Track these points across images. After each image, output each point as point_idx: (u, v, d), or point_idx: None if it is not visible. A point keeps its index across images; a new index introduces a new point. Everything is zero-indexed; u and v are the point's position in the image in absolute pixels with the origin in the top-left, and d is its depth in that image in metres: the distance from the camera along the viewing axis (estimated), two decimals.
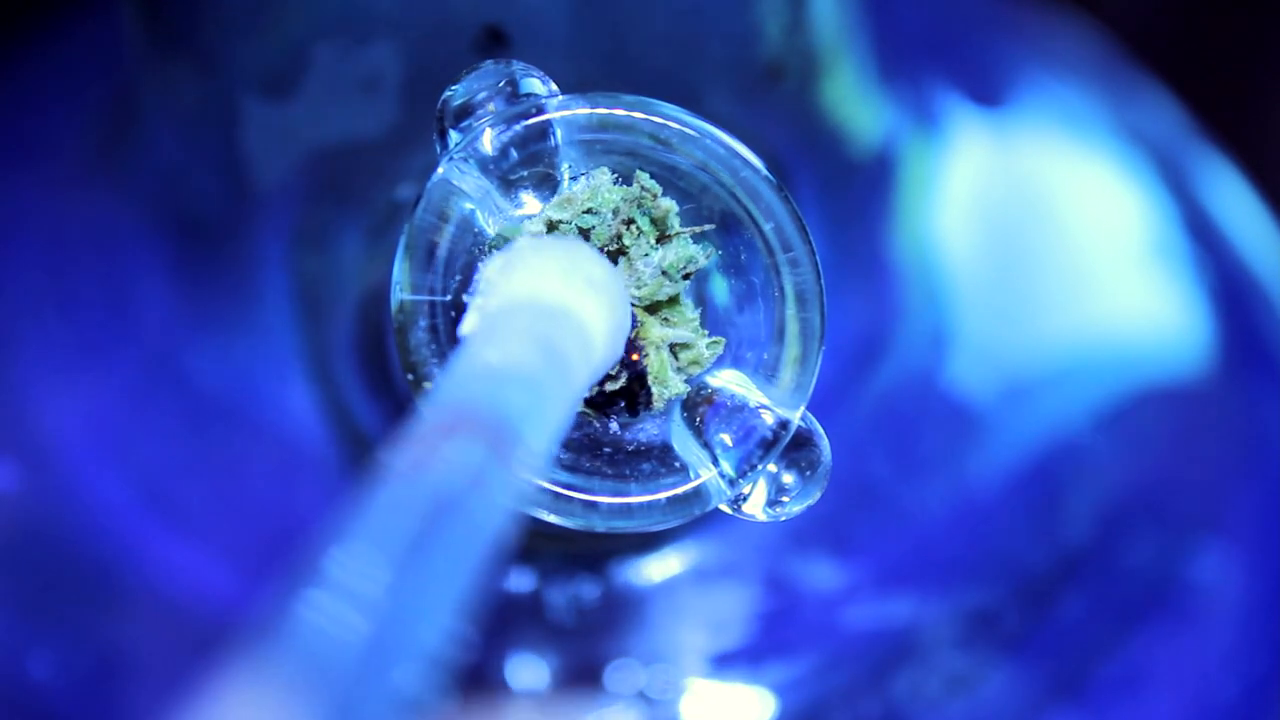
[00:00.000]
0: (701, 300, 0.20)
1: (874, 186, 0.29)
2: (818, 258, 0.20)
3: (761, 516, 0.20)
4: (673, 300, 0.20)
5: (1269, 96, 0.49)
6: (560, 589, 0.26)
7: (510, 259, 0.18)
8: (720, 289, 0.20)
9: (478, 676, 0.26)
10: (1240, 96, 0.49)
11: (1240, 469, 0.30)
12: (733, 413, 0.20)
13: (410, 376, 0.19)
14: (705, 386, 0.20)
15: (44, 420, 0.27)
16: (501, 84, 0.20)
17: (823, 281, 0.20)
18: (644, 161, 0.20)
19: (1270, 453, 0.30)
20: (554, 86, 0.20)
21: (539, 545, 0.26)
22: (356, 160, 0.25)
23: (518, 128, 0.19)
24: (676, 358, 0.20)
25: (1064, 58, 0.34)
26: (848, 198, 0.28)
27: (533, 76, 0.20)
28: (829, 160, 0.28)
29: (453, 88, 0.20)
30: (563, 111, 0.19)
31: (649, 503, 0.20)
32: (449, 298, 0.19)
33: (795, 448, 0.20)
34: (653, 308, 0.20)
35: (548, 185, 0.20)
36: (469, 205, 0.19)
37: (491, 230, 0.19)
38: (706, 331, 0.20)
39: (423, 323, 0.19)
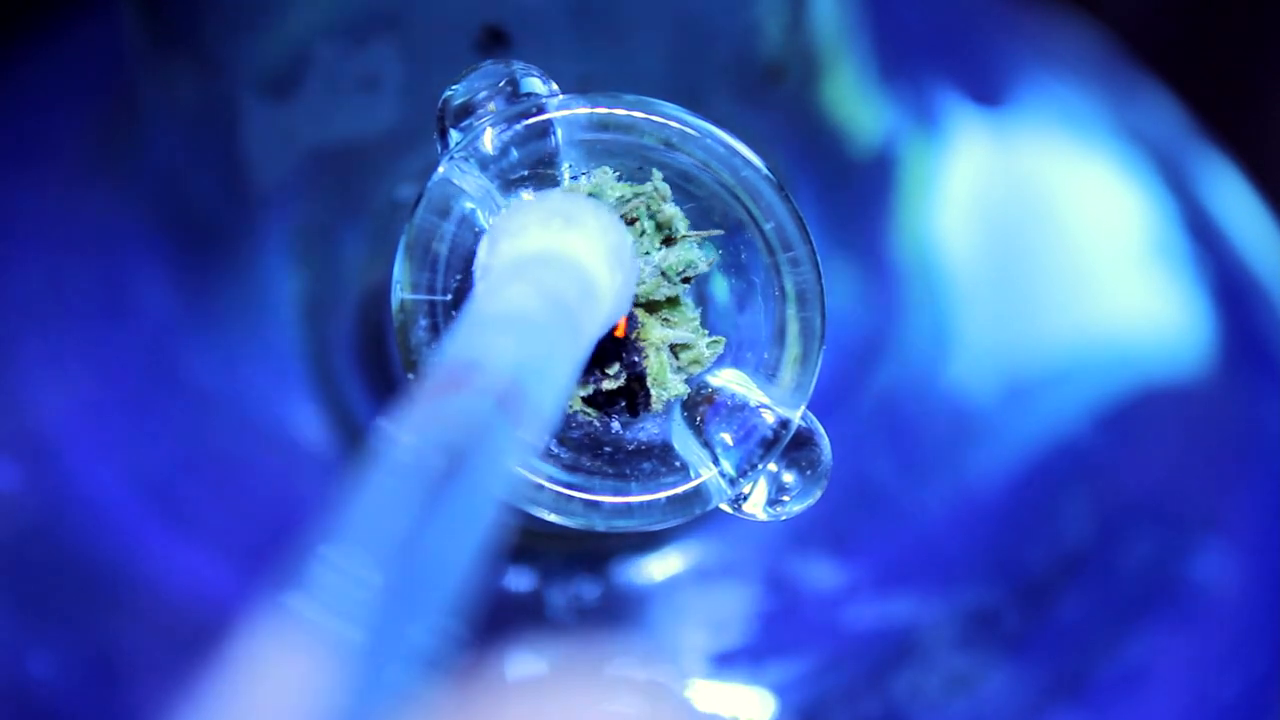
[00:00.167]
0: (702, 300, 0.20)
1: (874, 186, 0.29)
2: (818, 257, 0.20)
3: (762, 516, 0.20)
4: (673, 301, 0.20)
5: (1269, 96, 0.49)
6: (560, 589, 0.26)
7: (494, 238, 0.18)
8: (721, 288, 0.20)
9: (478, 676, 0.26)
10: (1240, 96, 0.49)
11: (1240, 469, 0.30)
12: (733, 412, 0.20)
13: (411, 376, 0.19)
14: (705, 386, 0.20)
15: (44, 420, 0.27)
16: (502, 83, 0.20)
17: (823, 281, 0.20)
18: (644, 161, 0.20)
19: (1270, 453, 0.30)
20: (554, 86, 0.20)
21: (539, 545, 0.26)
22: (356, 160, 0.25)
23: (518, 127, 0.19)
24: (677, 358, 0.20)
25: (1064, 58, 0.34)
26: (848, 198, 0.28)
27: (533, 76, 0.20)
28: (829, 160, 0.28)
29: (453, 87, 0.20)
30: (563, 111, 0.19)
31: (649, 502, 0.20)
32: (450, 297, 0.19)
33: (795, 447, 0.20)
34: (652, 308, 0.20)
35: (548, 185, 0.20)
36: (470, 205, 0.19)
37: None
38: (707, 331, 0.20)
39: (423, 322, 0.19)
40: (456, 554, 0.14)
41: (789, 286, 0.20)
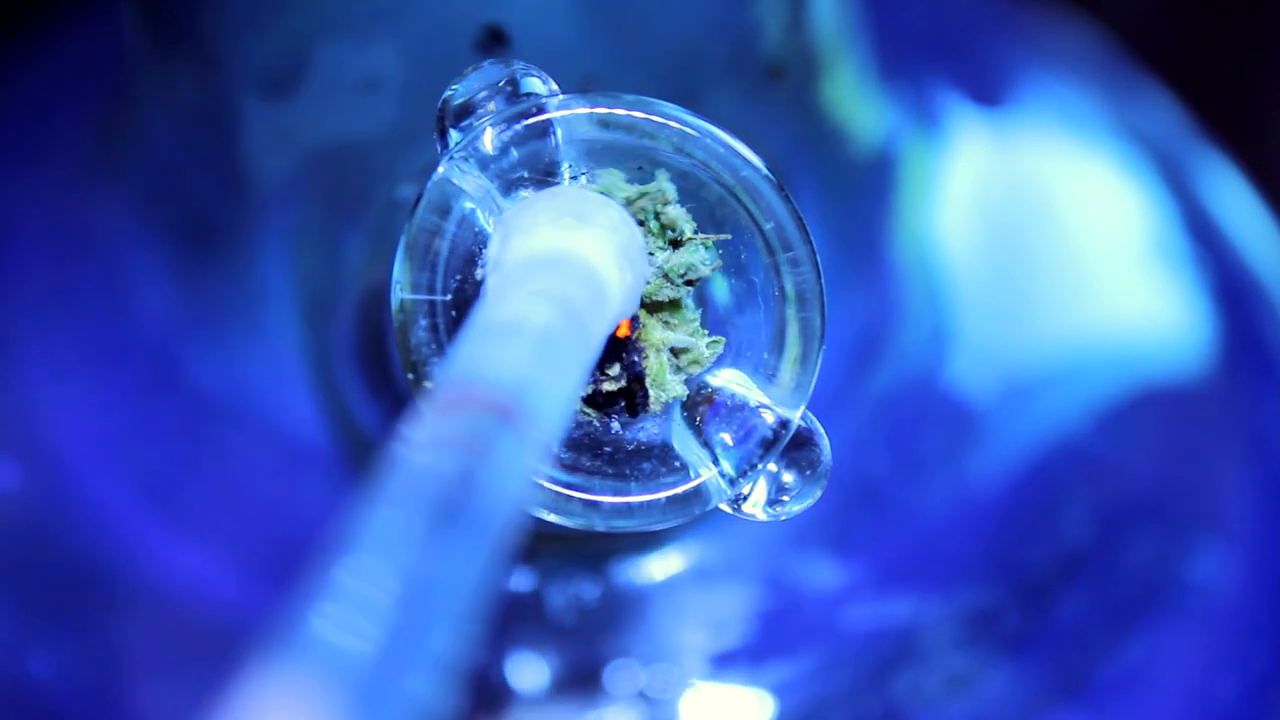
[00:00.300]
0: (702, 300, 0.20)
1: (874, 186, 0.29)
2: (818, 257, 0.20)
3: (762, 516, 0.20)
4: (674, 303, 0.20)
5: (1269, 96, 0.49)
6: (560, 589, 0.26)
7: (504, 230, 0.18)
8: (720, 288, 0.20)
9: (478, 676, 0.26)
10: (1240, 96, 0.49)
11: (1240, 469, 0.30)
12: (733, 412, 0.20)
13: (411, 376, 0.19)
14: (705, 386, 0.20)
15: (45, 420, 0.27)
16: (502, 83, 0.20)
17: (823, 281, 0.20)
18: (644, 161, 0.20)
19: (1270, 453, 0.30)
20: (554, 86, 0.20)
21: (539, 545, 0.26)
22: (356, 160, 0.25)
23: (518, 127, 0.19)
24: (677, 358, 0.20)
25: (1064, 58, 0.34)
26: (848, 198, 0.28)
27: (533, 76, 0.20)
28: (829, 160, 0.28)
29: (453, 87, 0.20)
30: (563, 111, 0.19)
31: (649, 502, 0.20)
32: (449, 297, 0.19)
33: (795, 447, 0.20)
34: (654, 309, 0.20)
35: (548, 184, 0.20)
36: (469, 204, 0.19)
37: (492, 229, 0.19)
38: (706, 331, 0.20)
39: (423, 322, 0.19)
40: (467, 573, 0.14)
41: (789, 287, 0.20)
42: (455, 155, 0.19)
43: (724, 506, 0.20)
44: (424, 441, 0.14)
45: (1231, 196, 0.34)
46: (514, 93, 0.20)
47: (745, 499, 0.20)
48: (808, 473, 0.20)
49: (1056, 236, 0.30)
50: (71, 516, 0.27)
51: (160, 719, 0.27)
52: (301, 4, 0.24)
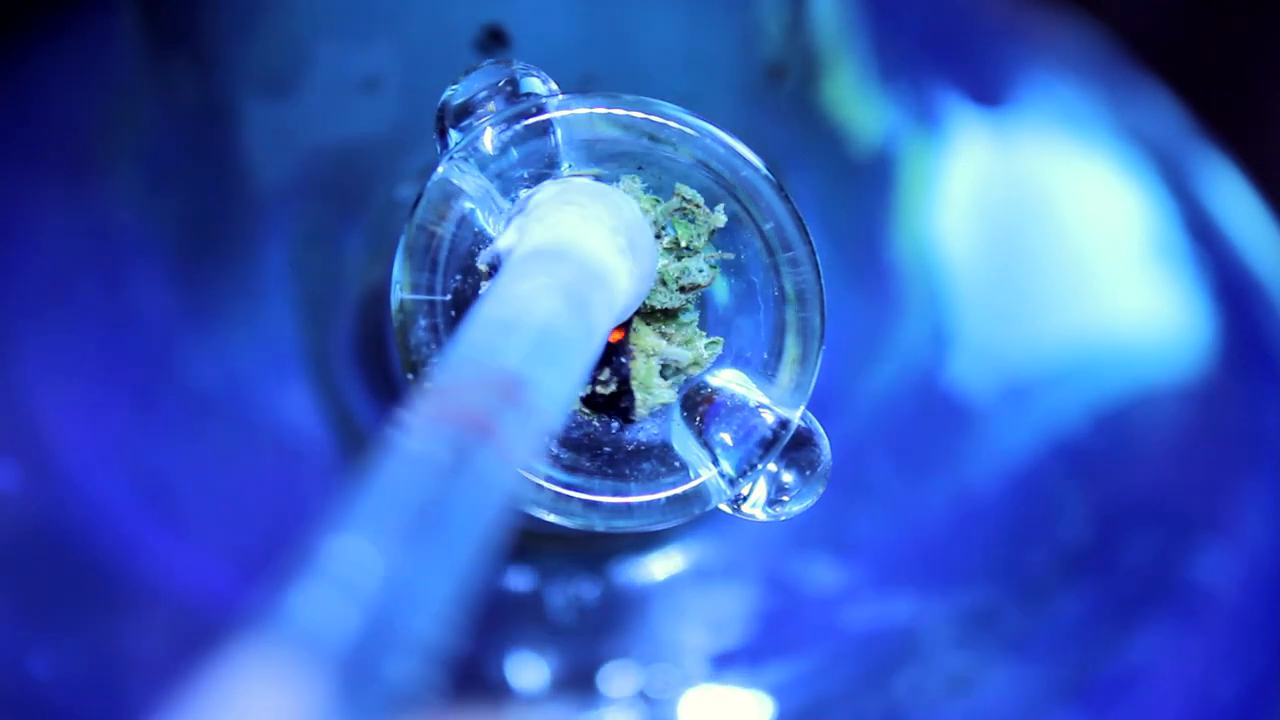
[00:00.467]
0: (701, 300, 0.20)
1: (874, 186, 0.29)
2: (818, 257, 0.20)
3: (761, 516, 0.20)
4: (671, 313, 0.20)
5: (1269, 96, 0.49)
6: (560, 589, 0.26)
7: (567, 195, 0.18)
8: (720, 289, 0.20)
9: (478, 676, 0.26)
10: (1240, 96, 0.49)
11: (1240, 469, 0.30)
12: (733, 412, 0.20)
13: (411, 376, 0.19)
14: (705, 386, 0.20)
15: (44, 420, 0.27)
16: (502, 83, 0.20)
17: (823, 281, 0.20)
18: (644, 161, 0.20)
19: (1270, 453, 0.30)
20: (554, 86, 0.20)
21: (539, 545, 0.26)
22: (356, 160, 0.25)
23: (518, 127, 0.19)
24: (676, 366, 0.20)
25: (1064, 58, 0.34)
26: (848, 198, 0.28)
27: (533, 76, 0.20)
28: (829, 160, 0.28)
29: (453, 87, 0.20)
30: (563, 111, 0.19)
31: (649, 502, 0.20)
32: (449, 297, 0.19)
33: (795, 447, 0.20)
34: (650, 316, 0.20)
35: (559, 177, 0.20)
36: (469, 205, 0.19)
37: (492, 230, 0.19)
38: (705, 332, 0.20)
39: (423, 322, 0.19)
40: (459, 548, 0.14)
41: (788, 287, 0.20)
42: (455, 155, 0.19)
43: (724, 506, 0.20)
44: (422, 423, 0.14)
45: (1231, 196, 0.34)
46: (514, 93, 0.20)
47: (745, 499, 0.20)
48: (807, 473, 0.20)
49: (1056, 236, 0.30)
50: (71, 516, 0.27)
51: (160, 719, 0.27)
52: (301, 4, 0.24)
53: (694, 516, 0.20)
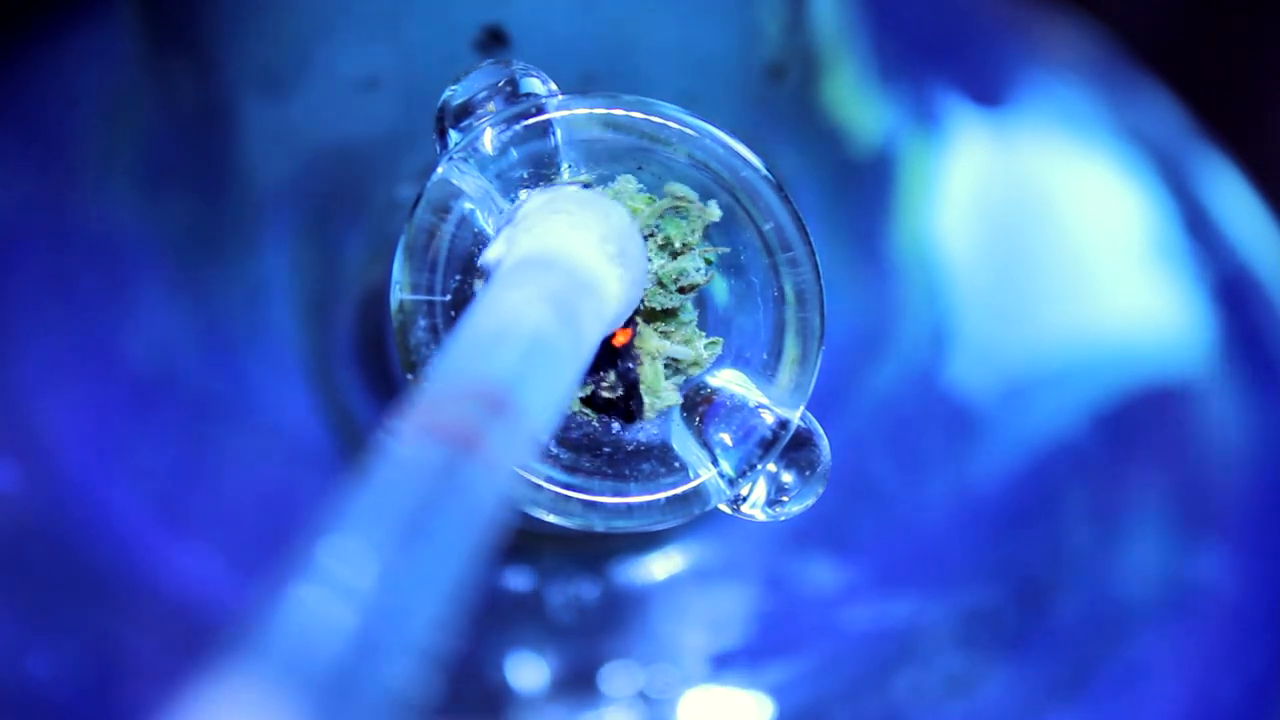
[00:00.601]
0: (701, 301, 0.20)
1: (874, 186, 0.29)
2: (817, 258, 0.20)
3: (761, 516, 0.20)
4: (670, 312, 0.20)
5: (1269, 96, 0.49)
6: (560, 589, 0.26)
7: (553, 202, 0.18)
8: (720, 289, 0.20)
9: (478, 676, 0.26)
10: (1240, 96, 0.49)
11: (1240, 469, 0.30)
12: (732, 412, 0.20)
13: (410, 376, 0.19)
14: (705, 386, 0.20)
15: (45, 421, 0.27)
16: (501, 84, 0.20)
17: (822, 281, 0.20)
18: (644, 161, 0.20)
19: (1270, 453, 0.30)
20: (554, 86, 0.20)
21: (539, 545, 0.26)
22: (356, 160, 0.25)
23: (518, 127, 0.19)
24: (677, 364, 0.20)
25: (1064, 58, 0.34)
26: (848, 198, 0.28)
27: (533, 76, 0.20)
28: (829, 160, 0.28)
29: (453, 88, 0.20)
30: (563, 111, 0.19)
31: (649, 503, 0.20)
32: (449, 297, 0.19)
33: (795, 447, 0.20)
34: (650, 316, 0.20)
35: (548, 184, 0.20)
36: (469, 205, 0.19)
37: (492, 230, 0.19)
38: (705, 332, 0.20)
39: (423, 322, 0.19)
40: (447, 562, 0.14)
41: (788, 287, 0.20)
42: (455, 155, 0.19)
43: (724, 507, 0.20)
44: (412, 432, 0.14)
45: (1231, 196, 0.34)
46: (514, 93, 0.20)
47: (745, 499, 0.20)
48: (807, 473, 0.20)
49: (1056, 236, 0.30)
50: (71, 517, 0.27)
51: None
52: (301, 4, 0.24)
53: (694, 517, 0.20)
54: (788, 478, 0.20)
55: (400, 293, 0.19)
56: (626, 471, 0.20)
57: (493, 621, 0.26)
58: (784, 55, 0.26)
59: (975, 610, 0.27)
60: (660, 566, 0.27)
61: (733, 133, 0.20)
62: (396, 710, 0.13)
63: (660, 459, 0.20)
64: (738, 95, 0.25)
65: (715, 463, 0.20)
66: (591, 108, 0.19)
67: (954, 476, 0.28)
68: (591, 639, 0.26)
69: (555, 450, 0.20)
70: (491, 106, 0.19)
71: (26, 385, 0.28)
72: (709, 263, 0.20)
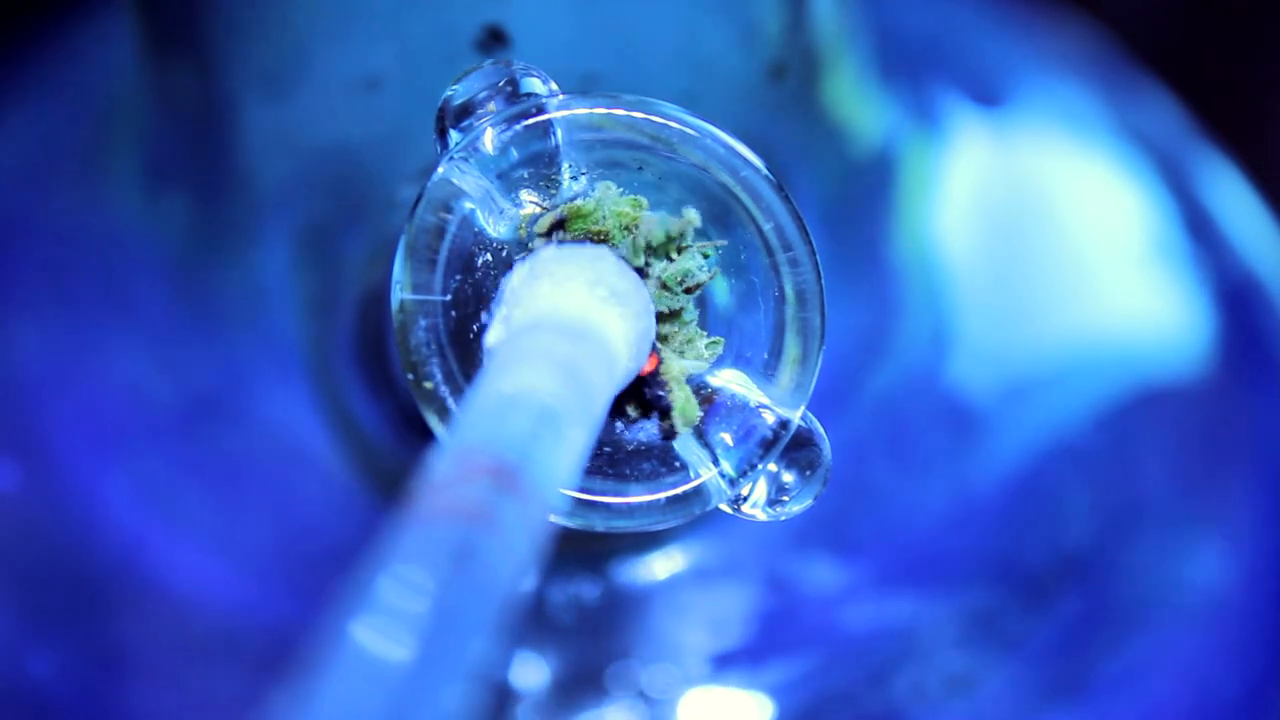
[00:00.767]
0: (701, 300, 0.20)
1: (874, 186, 0.29)
2: (818, 258, 0.20)
3: (761, 516, 0.20)
4: (675, 313, 0.20)
5: (1269, 96, 0.49)
6: (560, 589, 0.26)
7: (536, 269, 0.18)
8: (720, 289, 0.20)
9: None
10: (1240, 96, 0.49)
11: (1240, 469, 0.30)
12: (733, 412, 0.20)
13: (410, 376, 0.19)
14: (705, 386, 0.20)
15: (44, 420, 0.27)
16: (502, 83, 0.20)
17: (823, 281, 0.20)
18: (644, 161, 0.20)
19: (1270, 453, 0.30)
20: (554, 86, 0.20)
21: None
22: (356, 160, 0.25)
23: (518, 127, 0.19)
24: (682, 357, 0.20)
25: (1064, 58, 0.34)
26: (848, 198, 0.28)
27: (533, 76, 0.20)
28: (829, 160, 0.28)
29: (453, 87, 0.20)
30: (563, 111, 0.19)
31: (649, 502, 0.20)
32: (449, 297, 0.19)
33: (795, 447, 0.20)
34: (656, 319, 0.20)
35: (548, 184, 0.20)
36: (470, 205, 0.19)
37: (493, 230, 0.19)
38: (706, 331, 0.20)
39: (423, 322, 0.19)
40: (468, 629, 0.14)
41: (788, 287, 0.20)
42: (455, 155, 0.19)
43: (724, 507, 0.20)
44: (425, 508, 0.14)
45: (1231, 196, 0.34)
46: (514, 93, 0.19)
47: (745, 499, 0.20)
48: (808, 473, 0.20)
49: (1056, 236, 0.30)
50: (71, 516, 0.27)
51: (160, 719, 0.27)
52: (301, 4, 0.24)
53: (694, 516, 0.20)
54: (788, 477, 0.20)
55: (401, 292, 0.19)
56: (627, 471, 0.20)
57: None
58: (784, 55, 0.26)
59: (975, 610, 0.27)
60: (661, 566, 0.27)
61: (733, 132, 0.20)
62: None
63: (661, 459, 0.20)
64: (738, 95, 0.25)
65: (716, 462, 0.20)
66: (592, 108, 0.19)
67: (954, 476, 0.28)
68: (591, 639, 0.26)
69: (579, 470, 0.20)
70: (492, 106, 0.19)
71: (26, 384, 0.28)
72: (707, 257, 0.20)
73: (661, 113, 0.20)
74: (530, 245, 0.19)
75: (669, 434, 0.20)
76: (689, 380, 0.20)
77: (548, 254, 0.19)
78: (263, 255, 0.26)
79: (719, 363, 0.20)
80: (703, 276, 0.20)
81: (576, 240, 0.19)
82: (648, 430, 0.20)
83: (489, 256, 0.19)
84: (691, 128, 0.20)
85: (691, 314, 0.20)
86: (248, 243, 0.26)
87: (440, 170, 0.19)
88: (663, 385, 0.19)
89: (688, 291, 0.20)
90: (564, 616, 0.26)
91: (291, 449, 0.27)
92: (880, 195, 0.29)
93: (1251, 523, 0.30)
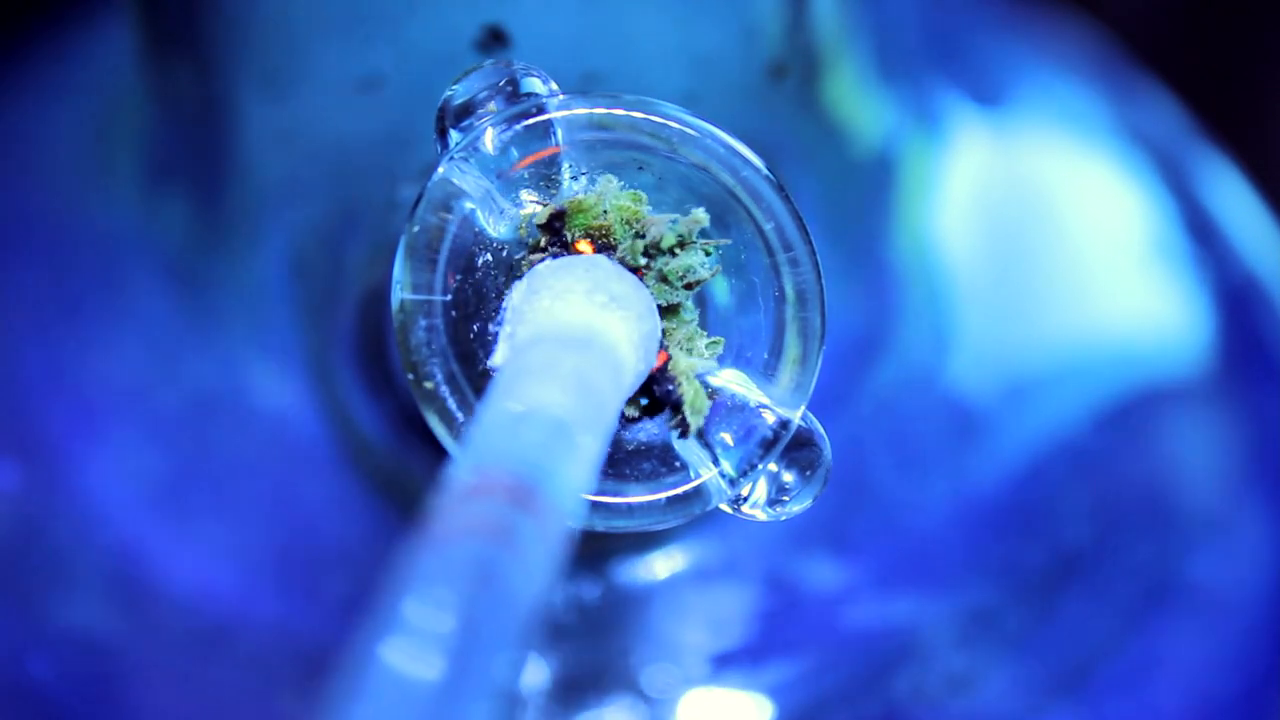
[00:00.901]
0: (701, 300, 0.20)
1: (874, 186, 0.29)
2: (818, 258, 0.20)
3: (762, 516, 0.20)
4: (674, 308, 0.20)
5: (1269, 96, 0.49)
6: (560, 588, 0.26)
7: (534, 284, 0.18)
8: (720, 289, 0.20)
9: None
10: (1240, 96, 0.49)
11: (1240, 469, 0.30)
12: (733, 412, 0.20)
13: (410, 376, 0.19)
14: (706, 386, 0.20)
15: (44, 420, 0.27)
16: (502, 83, 0.20)
17: (823, 281, 0.20)
18: (644, 161, 0.20)
19: (1271, 453, 0.30)
20: (554, 86, 0.20)
21: None
22: (356, 160, 0.25)
23: (518, 127, 0.19)
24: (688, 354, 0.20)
25: (1064, 58, 0.34)
26: (848, 198, 0.28)
27: (533, 76, 0.20)
28: (829, 160, 0.28)
29: (453, 87, 0.20)
30: (563, 111, 0.19)
31: (649, 502, 0.20)
32: (449, 297, 0.19)
33: (796, 447, 0.20)
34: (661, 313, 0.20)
35: (549, 184, 0.20)
36: (470, 205, 0.19)
37: (493, 230, 0.19)
38: (706, 331, 0.20)
39: (423, 322, 0.19)
40: (495, 651, 0.14)
41: (789, 287, 0.20)
42: (455, 155, 0.19)
43: (724, 506, 0.20)
44: (443, 529, 0.14)
45: (1231, 196, 0.34)
46: (514, 93, 0.20)
47: (745, 499, 0.20)
48: (808, 473, 0.20)
49: (1056, 236, 0.30)
50: (71, 516, 0.27)
51: (160, 719, 0.27)
52: (301, 4, 0.24)
53: (694, 516, 0.20)
54: (789, 477, 0.20)
55: (401, 292, 0.19)
56: (627, 471, 0.20)
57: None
58: (785, 55, 0.26)
59: (975, 610, 0.27)
60: (661, 566, 0.27)
61: (733, 132, 0.20)
62: None
63: (661, 458, 0.20)
64: (738, 95, 0.25)
65: (716, 462, 0.20)
66: (592, 107, 0.19)
67: (954, 476, 0.28)
68: (591, 639, 0.26)
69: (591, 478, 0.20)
70: (492, 106, 0.19)
71: (26, 385, 0.28)
72: (708, 254, 0.20)
73: (662, 112, 0.20)
74: (530, 243, 0.19)
75: (682, 429, 0.20)
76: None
77: (544, 268, 0.19)
78: (262, 255, 0.26)
79: (719, 362, 0.20)
80: (704, 273, 0.20)
81: (577, 238, 0.19)
82: (648, 430, 0.20)
83: (489, 256, 0.19)
84: (692, 127, 0.20)
85: (691, 312, 0.20)
86: (247, 242, 0.26)
87: (440, 170, 0.19)
88: (672, 380, 0.19)
89: (688, 288, 0.20)
90: (564, 616, 0.26)
91: (291, 449, 0.27)
92: (880, 195, 0.29)
93: (1251, 523, 0.30)
